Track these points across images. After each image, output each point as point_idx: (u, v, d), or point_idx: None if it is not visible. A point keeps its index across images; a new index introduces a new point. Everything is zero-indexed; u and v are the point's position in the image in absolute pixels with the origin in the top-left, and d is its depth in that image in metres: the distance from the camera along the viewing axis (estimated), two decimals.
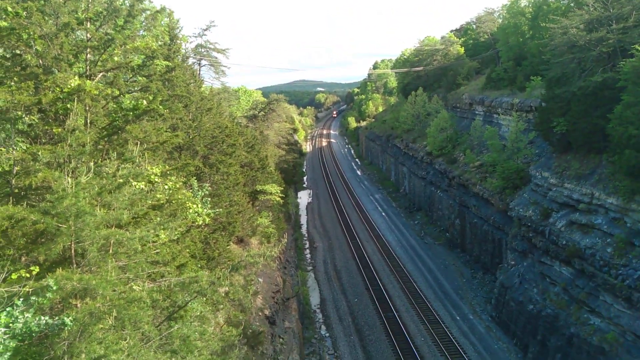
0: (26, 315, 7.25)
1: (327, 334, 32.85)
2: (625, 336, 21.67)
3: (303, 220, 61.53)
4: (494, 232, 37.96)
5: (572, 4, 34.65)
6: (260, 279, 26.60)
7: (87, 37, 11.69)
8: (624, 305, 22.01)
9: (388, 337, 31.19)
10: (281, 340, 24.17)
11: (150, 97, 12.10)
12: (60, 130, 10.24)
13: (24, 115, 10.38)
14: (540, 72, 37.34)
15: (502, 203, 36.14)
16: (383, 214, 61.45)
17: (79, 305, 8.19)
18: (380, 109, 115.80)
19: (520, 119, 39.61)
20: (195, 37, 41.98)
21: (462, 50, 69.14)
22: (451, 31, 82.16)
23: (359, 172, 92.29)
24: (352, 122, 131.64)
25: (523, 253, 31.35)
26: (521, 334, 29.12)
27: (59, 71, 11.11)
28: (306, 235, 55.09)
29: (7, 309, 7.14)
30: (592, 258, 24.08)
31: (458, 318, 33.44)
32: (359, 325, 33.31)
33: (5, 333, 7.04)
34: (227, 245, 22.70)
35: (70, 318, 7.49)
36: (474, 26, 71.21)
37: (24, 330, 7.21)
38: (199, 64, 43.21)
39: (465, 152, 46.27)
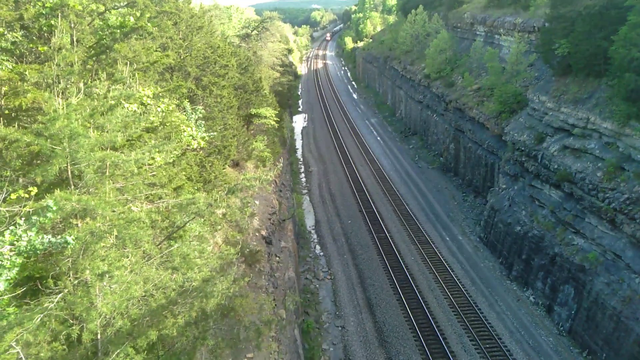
0: (29, 233, 7.42)
1: (322, 253, 34.24)
2: (605, 255, 22.78)
3: (298, 144, 61.55)
4: (488, 156, 38.31)
5: None
6: (256, 202, 27.16)
7: None
8: (607, 227, 22.88)
9: (380, 256, 32.59)
10: (277, 258, 25.21)
11: (138, 14, 11.53)
12: (46, 48, 9.86)
13: (5, 32, 9.92)
14: None
15: (498, 127, 36.10)
16: (378, 138, 61.45)
17: (79, 224, 8.38)
18: (379, 29, 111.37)
19: (522, 40, 38.39)
20: None
21: None
22: None
23: (355, 96, 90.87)
24: (349, 43, 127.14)
25: (514, 177, 31.90)
26: (507, 253, 30.48)
27: None
28: (301, 159, 55.42)
29: (11, 228, 7.30)
30: (581, 182, 24.59)
31: (448, 239, 34.77)
32: (352, 245, 34.63)
33: (11, 250, 7.26)
34: (223, 169, 22.89)
35: (72, 237, 7.69)
36: None
37: (28, 248, 7.42)
38: None
39: (463, 75, 45.33)
